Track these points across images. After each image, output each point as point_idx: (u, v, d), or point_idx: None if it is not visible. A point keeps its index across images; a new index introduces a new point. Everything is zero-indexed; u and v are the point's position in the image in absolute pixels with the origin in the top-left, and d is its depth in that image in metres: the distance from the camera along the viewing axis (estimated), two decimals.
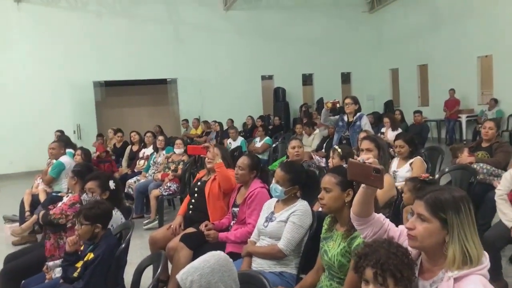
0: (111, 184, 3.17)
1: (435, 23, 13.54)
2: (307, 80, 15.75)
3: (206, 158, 3.80)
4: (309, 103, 14.55)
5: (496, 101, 11.80)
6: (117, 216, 3.04)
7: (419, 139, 8.31)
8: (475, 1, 12.23)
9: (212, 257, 1.68)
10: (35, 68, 11.70)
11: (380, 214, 1.86)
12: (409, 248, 1.66)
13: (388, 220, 1.85)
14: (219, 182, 3.56)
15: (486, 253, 1.56)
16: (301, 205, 2.76)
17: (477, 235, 1.55)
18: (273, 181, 2.87)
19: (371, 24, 15.82)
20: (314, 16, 14.90)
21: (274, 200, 2.94)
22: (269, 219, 2.81)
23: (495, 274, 3.23)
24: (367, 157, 1.69)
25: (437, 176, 4.31)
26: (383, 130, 7.85)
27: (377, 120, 9.35)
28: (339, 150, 3.75)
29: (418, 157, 4.32)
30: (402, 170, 4.30)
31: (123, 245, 2.65)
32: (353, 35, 15.47)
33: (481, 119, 11.58)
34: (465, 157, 4.64)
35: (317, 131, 8.52)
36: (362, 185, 1.73)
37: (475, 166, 4.41)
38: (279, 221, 2.74)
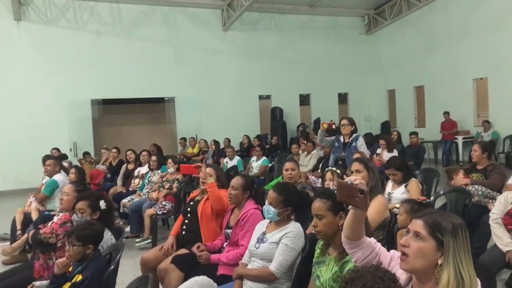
0: (102, 204, 3.13)
1: (432, 45, 13.72)
2: (304, 100, 15.84)
3: (201, 178, 3.77)
4: (306, 123, 14.60)
5: (489, 123, 11.87)
6: (108, 237, 3.00)
7: (415, 160, 8.34)
8: (471, 24, 12.42)
9: (196, 283, 1.65)
10: (33, 86, 11.73)
11: (372, 238, 1.84)
12: (400, 272, 1.64)
13: (379, 244, 1.84)
14: (211, 202, 3.53)
15: (479, 281, 1.54)
16: (294, 227, 2.72)
17: (472, 263, 1.53)
18: (266, 202, 2.84)
19: (368, 46, 16.02)
20: (311, 37, 15.11)
21: (266, 220, 2.90)
22: (260, 240, 2.77)
23: None
24: (354, 178, 1.69)
25: (432, 198, 4.29)
26: (378, 151, 7.84)
27: (371, 141, 9.36)
28: (338, 171, 3.74)
29: (414, 179, 4.32)
30: (397, 192, 4.30)
31: (112, 267, 2.60)
32: (350, 56, 15.65)
33: (477, 140, 11.64)
34: (460, 179, 4.65)
35: (315, 151, 8.52)
36: (350, 207, 1.72)
37: (470, 188, 4.41)
38: (271, 243, 2.70)
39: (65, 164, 6.29)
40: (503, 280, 3.92)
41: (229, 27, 13.90)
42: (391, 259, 1.75)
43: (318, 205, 2.24)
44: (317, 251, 2.34)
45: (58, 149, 9.46)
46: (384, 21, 15.40)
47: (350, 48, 15.68)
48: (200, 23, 13.71)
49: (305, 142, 8.74)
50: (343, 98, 16.26)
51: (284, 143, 13.79)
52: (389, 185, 4.49)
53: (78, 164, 9.11)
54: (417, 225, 1.58)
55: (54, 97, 11.91)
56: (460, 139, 12.34)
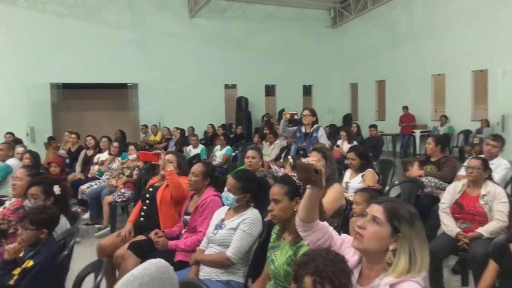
0: (56, 189, 3.05)
1: (394, 41, 14.06)
2: (270, 91, 15.92)
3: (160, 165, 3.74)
4: (271, 114, 14.68)
5: (446, 118, 12.36)
6: (62, 222, 2.92)
7: (374, 152, 8.56)
8: (432, 21, 12.79)
9: (152, 265, 1.64)
10: None
11: (325, 222, 1.90)
12: (350, 255, 1.70)
13: (331, 228, 1.90)
14: (170, 190, 3.51)
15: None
16: (252, 213, 2.76)
17: (427, 250, 1.61)
18: (225, 189, 2.86)
19: (334, 39, 16.23)
20: (278, 28, 15.13)
21: (225, 208, 2.93)
22: (218, 226, 2.79)
23: (436, 283, 3.35)
24: (311, 159, 1.74)
25: (387, 188, 4.44)
26: (339, 142, 8.01)
27: (334, 133, 9.55)
28: (291, 160, 3.80)
29: (370, 169, 4.44)
30: (354, 181, 4.41)
31: (65, 252, 2.55)
32: (316, 49, 15.81)
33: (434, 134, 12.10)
34: (415, 170, 4.82)
35: (278, 141, 8.60)
36: (308, 187, 1.78)
37: (423, 179, 4.58)
38: (229, 229, 2.73)
39: (19, 149, 6.06)
40: (450, 266, 4.12)
41: (195, 14, 13.72)
42: (342, 243, 1.82)
43: (276, 190, 2.29)
44: (273, 236, 2.39)
45: (12, 134, 9.10)
46: (349, 15, 15.62)
47: (316, 41, 15.83)
48: (166, 8, 13.46)
49: (268, 132, 8.81)
50: (307, 90, 16.44)
51: (249, 133, 13.82)
52: (347, 174, 4.61)
53: (39, 148, 8.86)
54: (376, 210, 1.64)
55: (10, 79, 11.44)
56: (417, 133, 12.76)
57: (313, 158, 1.79)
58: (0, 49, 11.37)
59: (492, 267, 2.45)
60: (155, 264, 1.65)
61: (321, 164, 3.34)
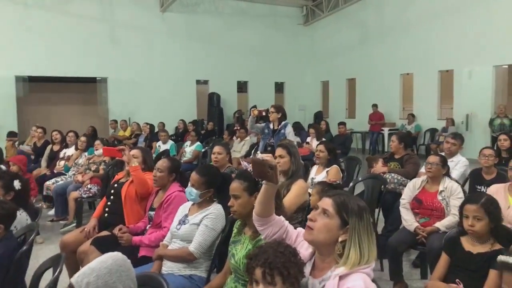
0: (16, 184, 2.99)
1: (364, 39, 14.31)
2: (242, 87, 15.93)
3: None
4: (242, 110, 14.70)
5: (413, 116, 12.68)
6: (22, 217, 2.88)
7: (342, 149, 8.72)
8: (401, 21, 13.09)
9: (110, 258, 1.65)
10: None
11: (281, 217, 1.95)
12: (305, 248, 1.75)
13: (287, 222, 1.94)
14: (135, 186, 3.49)
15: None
16: (215, 208, 2.78)
17: (374, 242, 1.67)
18: (189, 184, 2.88)
19: (306, 37, 16.36)
20: (251, 24, 15.14)
21: (190, 203, 2.94)
22: (182, 222, 2.81)
23: (396, 276, 3.48)
24: (266, 155, 1.78)
25: (351, 184, 4.54)
26: (308, 139, 8.12)
27: (299, 129, 9.68)
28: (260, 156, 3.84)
29: (335, 165, 4.54)
30: (319, 177, 4.50)
31: (24, 248, 2.51)
32: (288, 46, 15.91)
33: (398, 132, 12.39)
34: (379, 167, 4.94)
35: (248, 137, 8.65)
36: (263, 183, 1.82)
37: (387, 176, 4.71)
38: (192, 224, 2.74)
39: None
40: (411, 260, 4.26)
41: (167, 8, 13.58)
42: (297, 236, 1.87)
43: (235, 185, 2.32)
44: (235, 230, 2.42)
45: None
46: (321, 13, 15.79)
47: (288, 38, 15.93)
48: (137, 1, 13.27)
49: (238, 128, 8.84)
50: (279, 87, 16.54)
51: (221, 129, 13.80)
52: (313, 170, 4.70)
53: (2, 144, 8.59)
54: (326, 203, 1.69)
55: None
56: (386, 131, 13.04)
57: (268, 155, 1.83)
58: None
59: (443, 259, 2.56)
60: (112, 257, 1.66)
61: (285, 161, 3.43)
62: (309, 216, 1.70)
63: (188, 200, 2.97)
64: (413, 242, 3.50)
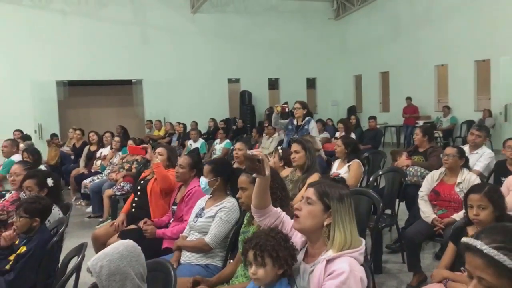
0: (49, 181, 3.25)
1: (396, 32, 14.05)
2: (274, 84, 16.01)
3: None
4: (273, 107, 14.77)
5: (448, 108, 12.37)
6: (55, 212, 3.13)
7: (373, 143, 8.69)
8: (433, 12, 12.78)
9: (121, 244, 1.83)
10: None
11: (278, 208, 2.07)
12: (299, 237, 1.87)
13: (284, 213, 2.06)
14: (158, 182, 3.70)
15: (363, 240, 1.78)
16: (229, 201, 2.93)
17: (355, 226, 1.77)
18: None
19: (337, 31, 16.23)
20: (281, 21, 15.18)
21: (207, 197, 3.10)
22: (199, 215, 2.97)
23: (413, 267, 3.50)
24: (255, 150, 1.90)
25: (371, 178, 4.57)
26: (337, 135, 8.13)
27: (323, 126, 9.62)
28: (280, 150, 3.97)
29: (356, 160, 4.58)
30: (341, 171, 4.55)
31: (55, 239, 2.75)
32: (319, 41, 15.83)
33: (437, 125, 12.14)
34: (402, 160, 4.94)
35: (276, 134, 8.75)
36: (255, 175, 1.95)
37: (410, 169, 4.70)
38: (208, 217, 2.90)
39: (22, 145, 6.29)
40: (433, 253, 4.26)
41: (197, 9, 13.86)
42: (292, 226, 1.98)
43: (243, 178, 2.46)
44: (245, 222, 2.56)
45: (20, 131, 9.37)
46: (352, 6, 15.63)
47: (319, 33, 15.85)
48: (168, 4, 13.62)
49: (267, 125, 8.96)
50: (311, 83, 16.50)
51: (253, 127, 13.95)
52: (335, 165, 4.75)
53: (46, 146, 9.15)
54: (309, 192, 1.82)
55: (18, 78, 11.71)
56: (421, 124, 12.75)
57: (258, 150, 1.95)
58: (8, 49, 11.65)
59: (450, 249, 2.59)
60: (123, 243, 1.84)
61: (301, 155, 3.53)
62: (295, 206, 1.82)
63: (203, 192, 3.13)
64: (431, 234, 3.52)
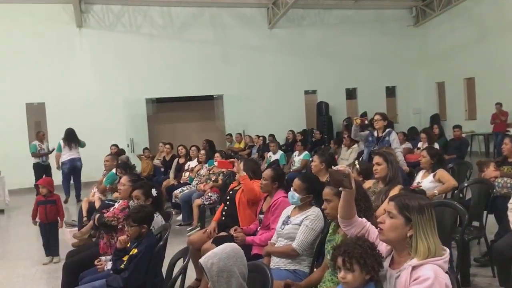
0: (153, 192, 3.68)
1: (481, 36, 13.37)
2: (351, 94, 15.92)
3: None
4: (352, 117, 14.67)
5: None
6: (158, 219, 3.53)
7: (458, 153, 8.36)
8: None
9: (229, 246, 2.11)
10: (94, 88, 12.74)
11: (363, 219, 2.22)
12: (384, 246, 2.01)
13: (369, 223, 2.21)
14: (244, 192, 4.00)
15: (447, 249, 1.87)
16: (314, 211, 3.12)
17: (436, 235, 1.87)
18: (292, 188, 3.26)
19: (416, 38, 15.81)
20: (357, 31, 15.13)
21: (292, 207, 3.32)
22: (285, 222, 3.20)
23: (505, 282, 3.42)
24: (340, 166, 2.07)
25: (456, 191, 4.49)
26: (419, 145, 7.95)
27: (413, 134, 9.44)
28: (358, 166, 4.09)
29: (441, 169, 4.52)
30: (425, 181, 4.53)
31: (161, 243, 3.12)
32: (397, 49, 15.52)
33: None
34: (490, 171, 4.77)
35: (356, 145, 8.75)
36: (340, 189, 2.11)
37: (499, 180, 4.54)
38: (294, 224, 3.12)
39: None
40: None
41: (274, 25, 14.29)
42: (378, 235, 2.11)
43: (327, 191, 2.65)
44: (330, 231, 2.73)
45: (116, 145, 10.28)
46: (432, 12, 15.14)
47: (397, 41, 15.55)
48: (246, 22, 14.21)
49: (345, 136, 8.99)
50: (391, 92, 16.16)
51: (330, 138, 13.97)
52: (419, 175, 4.73)
53: (137, 159, 9.99)
54: (390, 206, 1.95)
55: (112, 97, 12.86)
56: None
57: (343, 165, 2.12)
58: (105, 71, 12.90)
59: None
60: (230, 245, 2.12)
61: (383, 168, 3.62)
62: (378, 220, 1.96)
63: (291, 203, 3.35)
64: None
